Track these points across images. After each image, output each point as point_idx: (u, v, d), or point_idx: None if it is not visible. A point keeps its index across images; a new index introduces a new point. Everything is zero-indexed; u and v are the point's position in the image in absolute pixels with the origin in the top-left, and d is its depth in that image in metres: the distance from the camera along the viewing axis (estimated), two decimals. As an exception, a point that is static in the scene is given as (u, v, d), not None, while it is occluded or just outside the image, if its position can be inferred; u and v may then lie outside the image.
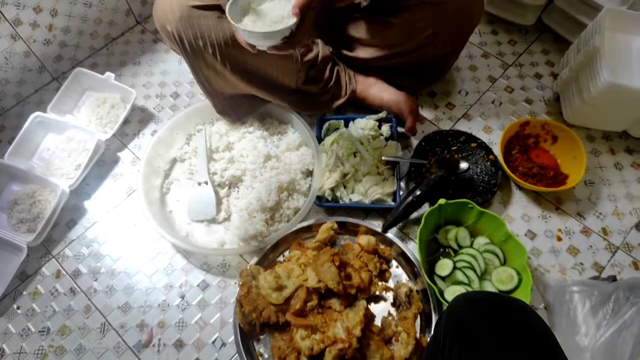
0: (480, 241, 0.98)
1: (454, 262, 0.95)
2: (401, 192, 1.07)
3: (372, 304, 0.95)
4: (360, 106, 1.21)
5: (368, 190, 1.06)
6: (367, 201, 1.06)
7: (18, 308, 1.02)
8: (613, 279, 0.92)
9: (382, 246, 1.01)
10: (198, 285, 1.03)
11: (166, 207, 1.12)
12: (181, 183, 1.15)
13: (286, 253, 1.03)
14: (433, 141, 1.15)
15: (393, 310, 0.94)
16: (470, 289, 0.91)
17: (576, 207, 1.09)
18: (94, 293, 1.03)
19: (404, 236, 1.06)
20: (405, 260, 0.98)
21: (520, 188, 1.11)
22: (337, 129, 1.17)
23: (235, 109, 1.13)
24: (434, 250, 1.01)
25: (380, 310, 0.94)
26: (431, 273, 0.96)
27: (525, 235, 1.06)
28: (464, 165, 1.11)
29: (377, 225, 1.04)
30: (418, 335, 0.88)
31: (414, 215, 1.05)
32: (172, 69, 1.38)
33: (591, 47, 1.04)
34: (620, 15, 1.09)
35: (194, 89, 1.33)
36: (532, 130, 1.13)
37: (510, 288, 0.91)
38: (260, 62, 1.01)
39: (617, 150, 1.16)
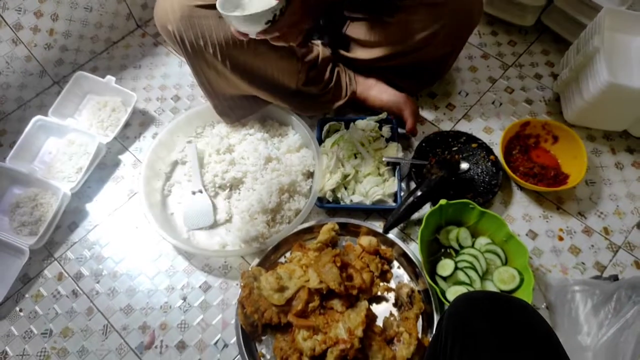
0: (482, 241, 0.98)
1: (456, 263, 0.95)
2: (402, 193, 1.07)
3: (374, 304, 0.95)
4: (360, 107, 1.21)
5: (369, 191, 1.06)
6: (368, 202, 1.06)
7: (20, 310, 1.02)
8: (615, 278, 0.92)
9: (383, 247, 1.01)
10: (200, 287, 1.03)
11: (167, 209, 1.13)
12: (182, 185, 1.15)
13: (287, 254, 1.03)
14: (434, 142, 1.15)
15: (395, 311, 0.94)
16: (471, 289, 0.91)
17: (577, 207, 1.09)
18: (96, 295, 1.03)
19: (405, 237, 1.07)
20: (406, 260, 0.98)
21: (521, 188, 1.11)
22: (337, 130, 1.17)
23: (235, 110, 1.13)
24: (435, 250, 1.01)
25: (382, 310, 0.94)
26: (433, 273, 0.96)
27: (527, 235, 1.06)
28: (464, 165, 1.11)
29: (378, 226, 1.04)
30: (420, 335, 0.89)
31: (415, 216, 1.05)
32: (172, 72, 1.38)
33: (591, 48, 1.04)
34: (620, 15, 1.10)
35: (195, 91, 1.34)
36: (532, 130, 1.14)
37: (512, 288, 0.91)
38: (261, 62, 1.01)
39: (617, 150, 1.16)
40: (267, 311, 0.87)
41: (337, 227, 1.00)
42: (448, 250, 1.01)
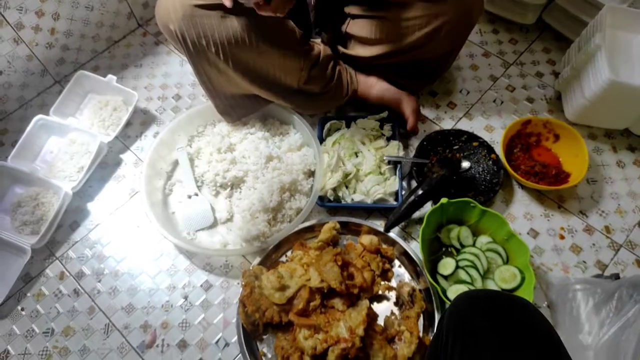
0: (483, 240, 0.98)
1: (457, 261, 0.95)
2: (403, 192, 1.07)
3: (375, 303, 0.95)
4: (361, 106, 1.21)
5: (370, 190, 1.06)
6: (369, 201, 1.06)
7: (22, 309, 1.02)
8: (616, 276, 0.92)
9: (384, 246, 1.01)
10: (201, 286, 1.03)
11: (169, 208, 1.13)
12: (183, 184, 1.15)
13: (289, 253, 1.03)
14: (435, 140, 1.15)
15: (396, 310, 0.94)
16: (473, 288, 0.91)
17: (579, 205, 1.08)
18: (98, 294, 1.03)
19: (407, 235, 1.06)
20: (407, 259, 0.98)
21: (522, 187, 1.11)
22: (338, 129, 1.17)
23: (236, 109, 1.13)
24: (436, 249, 1.01)
25: (383, 309, 0.94)
26: (434, 272, 0.96)
27: (528, 233, 1.06)
28: (465, 164, 1.11)
29: (379, 224, 1.04)
30: (421, 334, 0.89)
31: (416, 214, 1.05)
32: (173, 71, 1.38)
33: (592, 45, 1.04)
34: (621, 13, 1.09)
35: (196, 90, 1.34)
36: (533, 128, 1.13)
37: (513, 286, 0.91)
38: (263, 60, 1.01)
39: (619, 148, 1.16)
40: (268, 310, 0.87)
41: (338, 226, 1.00)
42: (449, 249, 1.01)
